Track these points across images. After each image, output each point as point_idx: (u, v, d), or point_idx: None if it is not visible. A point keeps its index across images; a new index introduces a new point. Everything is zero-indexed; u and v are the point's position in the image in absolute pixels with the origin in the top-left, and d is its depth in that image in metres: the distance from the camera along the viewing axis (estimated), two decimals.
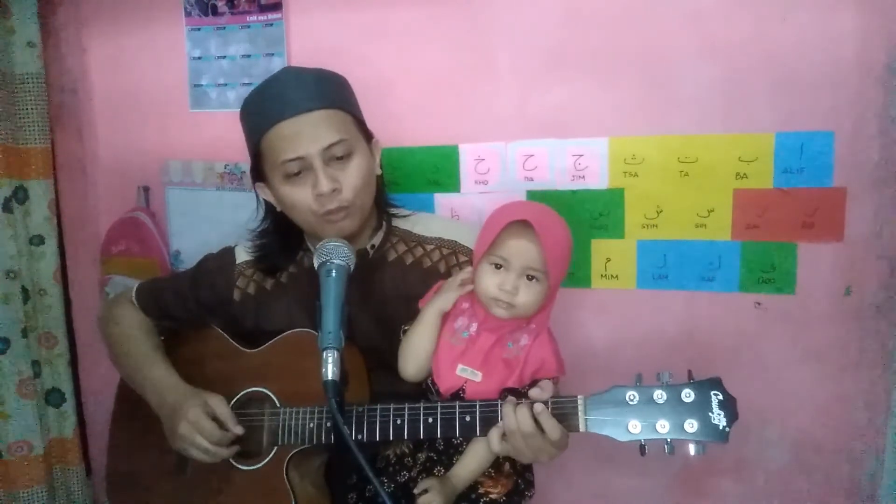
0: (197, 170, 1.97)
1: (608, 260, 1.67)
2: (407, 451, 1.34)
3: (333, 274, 1.15)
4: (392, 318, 1.34)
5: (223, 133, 1.84)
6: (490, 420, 1.16)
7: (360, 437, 1.21)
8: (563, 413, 1.13)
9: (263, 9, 1.83)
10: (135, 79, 2.00)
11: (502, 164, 1.70)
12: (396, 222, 1.45)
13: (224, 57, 1.89)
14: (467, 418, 1.17)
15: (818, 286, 1.55)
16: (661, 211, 1.62)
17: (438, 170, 1.74)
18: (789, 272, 1.56)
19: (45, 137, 1.93)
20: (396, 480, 1.33)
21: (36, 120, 1.90)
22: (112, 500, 1.55)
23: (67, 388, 2.03)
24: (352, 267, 1.19)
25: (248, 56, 1.87)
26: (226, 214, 1.89)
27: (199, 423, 1.26)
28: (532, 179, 1.68)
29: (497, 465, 1.28)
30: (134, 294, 1.53)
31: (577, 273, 1.68)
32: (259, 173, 1.36)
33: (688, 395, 1.09)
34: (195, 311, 1.48)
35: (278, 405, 1.32)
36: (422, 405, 1.20)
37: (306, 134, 1.25)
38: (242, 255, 1.47)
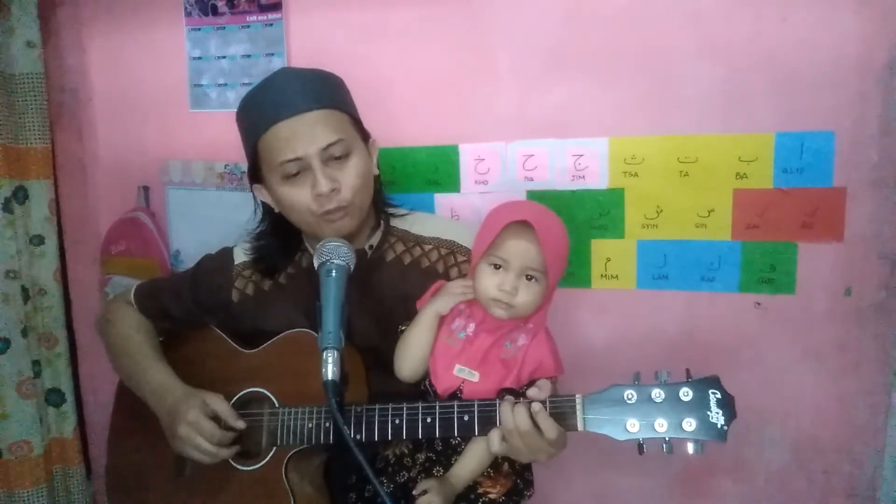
0: (197, 170, 1.97)
1: (608, 260, 1.67)
2: (406, 451, 1.34)
3: (333, 274, 1.15)
4: (390, 317, 1.34)
5: (223, 133, 1.83)
6: (488, 419, 1.16)
7: (358, 436, 1.21)
8: (562, 412, 1.13)
9: (263, 9, 1.83)
10: (135, 79, 2.00)
11: (502, 164, 1.69)
12: (394, 222, 1.45)
13: (224, 57, 1.89)
14: (465, 418, 1.17)
15: (818, 286, 1.55)
16: (661, 211, 1.62)
17: (438, 170, 1.74)
18: (789, 272, 1.55)
19: (45, 137, 1.93)
20: (396, 481, 1.33)
21: (36, 120, 1.90)
22: (112, 500, 1.55)
23: (67, 388, 2.03)
24: (352, 267, 1.19)
25: (248, 56, 1.87)
26: (226, 214, 1.89)
27: (199, 424, 1.26)
28: (532, 179, 1.68)
29: (496, 465, 1.28)
30: (132, 295, 1.53)
31: (577, 273, 1.68)
32: (256, 175, 1.35)
33: (686, 393, 1.09)
34: (194, 312, 1.48)
35: (277, 405, 1.32)
36: (420, 405, 1.20)
37: (304, 134, 1.25)
38: (240, 256, 1.47)
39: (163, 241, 2.03)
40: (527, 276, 1.20)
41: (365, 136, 1.37)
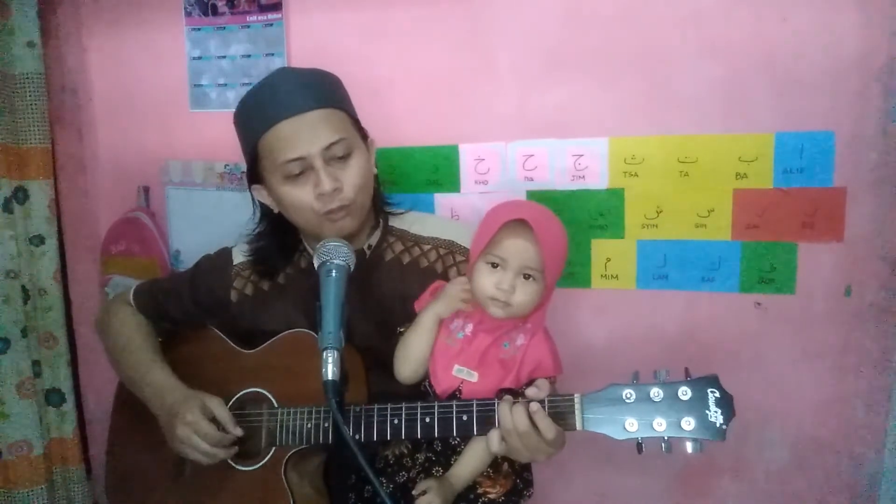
0: (197, 170, 1.97)
1: (608, 260, 1.67)
2: (406, 451, 1.34)
3: (333, 274, 1.14)
4: (389, 317, 1.34)
5: (223, 133, 1.82)
6: (487, 419, 1.16)
7: (357, 436, 1.21)
8: (560, 411, 1.13)
9: (263, 9, 1.83)
10: (135, 79, 2.00)
11: (502, 164, 1.69)
12: (393, 221, 1.45)
13: (224, 57, 1.90)
14: (464, 417, 1.17)
15: (818, 286, 1.55)
16: (661, 211, 1.61)
17: (438, 170, 1.74)
18: (789, 272, 1.55)
19: (45, 137, 1.93)
20: (395, 481, 1.33)
21: (36, 120, 1.90)
22: (112, 500, 1.55)
23: (67, 388, 2.03)
24: (352, 267, 1.19)
25: (248, 56, 1.87)
26: (226, 214, 1.89)
27: (198, 425, 1.26)
28: (532, 179, 1.68)
29: (495, 465, 1.28)
30: (132, 295, 1.53)
31: (577, 273, 1.68)
32: (255, 176, 1.35)
33: (684, 392, 1.08)
34: (193, 312, 1.48)
35: (276, 405, 1.32)
36: (419, 405, 1.20)
37: (306, 134, 1.25)
38: (239, 257, 1.47)
39: (163, 241, 2.03)
40: (524, 275, 1.20)
41: (364, 136, 1.37)
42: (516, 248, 1.18)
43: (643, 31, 1.57)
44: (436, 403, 1.20)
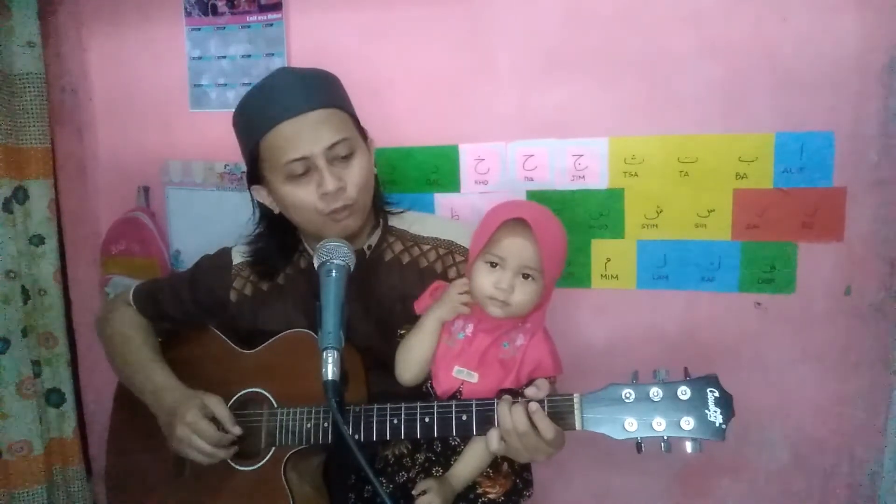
0: (197, 170, 1.97)
1: (608, 260, 1.67)
2: (405, 451, 1.34)
3: (334, 274, 1.14)
4: (389, 317, 1.34)
5: (223, 133, 1.81)
6: (486, 419, 1.16)
7: (357, 436, 1.21)
8: (560, 412, 1.13)
9: (263, 9, 1.83)
10: (135, 79, 2.00)
11: (502, 164, 1.69)
12: (392, 221, 1.44)
13: (224, 57, 1.90)
14: (464, 418, 1.17)
15: (818, 286, 1.55)
16: (661, 211, 1.61)
17: (438, 170, 1.74)
18: (789, 272, 1.55)
19: (45, 137, 1.93)
20: (395, 481, 1.33)
21: (36, 120, 1.90)
22: (112, 500, 1.55)
23: (67, 388, 2.03)
24: (352, 267, 1.18)
25: (248, 56, 1.87)
26: (226, 214, 1.89)
27: (197, 425, 1.26)
28: (532, 179, 1.68)
29: (495, 465, 1.28)
30: (131, 296, 1.52)
31: (576, 273, 1.68)
32: (256, 176, 1.35)
33: (684, 392, 1.08)
34: (192, 313, 1.48)
35: (276, 405, 1.32)
36: (418, 405, 1.20)
37: (308, 134, 1.25)
38: (239, 257, 1.46)
39: (163, 241, 2.03)
40: (523, 274, 1.19)
41: (364, 135, 1.36)
42: (515, 248, 1.18)
43: (643, 31, 1.57)
44: (435, 403, 1.20)
